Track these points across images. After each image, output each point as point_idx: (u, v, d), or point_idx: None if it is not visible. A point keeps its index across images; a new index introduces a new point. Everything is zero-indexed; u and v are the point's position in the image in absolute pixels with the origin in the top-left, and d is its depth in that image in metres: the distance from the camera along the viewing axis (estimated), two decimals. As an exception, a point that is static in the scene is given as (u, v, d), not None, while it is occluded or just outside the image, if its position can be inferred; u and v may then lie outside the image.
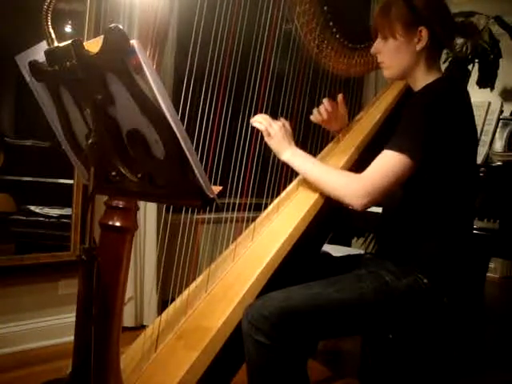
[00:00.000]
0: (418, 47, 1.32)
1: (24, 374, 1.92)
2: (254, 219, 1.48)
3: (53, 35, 0.86)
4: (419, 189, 1.28)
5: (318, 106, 1.60)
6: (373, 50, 1.39)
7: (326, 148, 1.63)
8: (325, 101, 1.58)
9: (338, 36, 1.58)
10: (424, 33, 1.30)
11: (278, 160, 1.47)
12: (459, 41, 3.30)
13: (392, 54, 1.35)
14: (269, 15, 1.45)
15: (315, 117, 1.60)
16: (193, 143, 0.90)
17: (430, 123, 1.21)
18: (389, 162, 1.21)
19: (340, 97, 1.61)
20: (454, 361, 1.44)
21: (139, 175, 0.82)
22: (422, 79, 1.35)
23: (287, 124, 1.44)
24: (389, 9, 1.33)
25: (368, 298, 1.21)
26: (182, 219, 1.49)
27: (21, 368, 1.98)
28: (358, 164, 1.45)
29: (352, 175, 1.28)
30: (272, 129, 1.40)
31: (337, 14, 1.57)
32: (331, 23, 1.56)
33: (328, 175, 1.33)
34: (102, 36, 0.73)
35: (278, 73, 1.54)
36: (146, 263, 2.45)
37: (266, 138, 1.41)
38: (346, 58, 1.62)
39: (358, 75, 1.69)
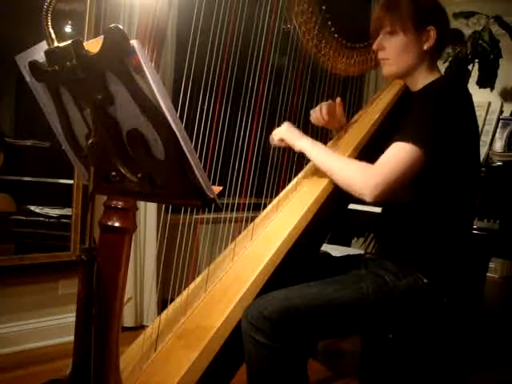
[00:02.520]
0: (426, 46, 1.32)
1: (24, 374, 1.92)
2: (253, 219, 1.48)
3: (53, 35, 0.86)
4: (420, 189, 1.28)
5: (317, 106, 1.60)
6: (376, 46, 1.37)
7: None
8: (323, 106, 1.57)
9: (336, 35, 1.58)
10: (432, 32, 1.30)
11: (277, 160, 1.47)
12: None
13: (398, 51, 1.34)
14: (267, 15, 1.45)
15: (313, 119, 1.60)
16: (192, 143, 0.90)
17: (438, 118, 1.21)
18: (400, 153, 1.20)
19: (338, 100, 1.60)
20: (453, 360, 1.44)
21: (139, 175, 0.82)
22: (423, 79, 1.35)
23: None
24: (397, 5, 1.32)
25: (368, 297, 1.21)
26: (181, 219, 1.49)
27: (21, 368, 1.98)
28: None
29: (365, 166, 1.25)
30: (280, 127, 1.44)
31: (335, 13, 1.57)
32: (329, 22, 1.55)
33: (342, 165, 1.31)
34: (102, 36, 0.73)
35: (276, 72, 1.54)
36: (145, 263, 2.45)
37: (279, 131, 1.44)
38: (345, 58, 1.62)
39: (357, 74, 1.69)
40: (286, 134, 1.43)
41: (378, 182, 1.19)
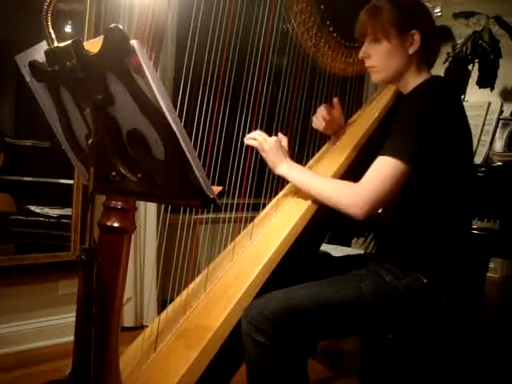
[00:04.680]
0: (411, 50, 1.32)
1: (24, 374, 1.92)
2: (252, 219, 1.48)
3: (53, 35, 0.86)
4: (418, 189, 1.28)
5: (316, 107, 1.60)
6: (361, 54, 1.37)
7: (324, 147, 1.63)
8: (322, 108, 1.57)
9: (335, 35, 1.58)
10: (416, 36, 1.30)
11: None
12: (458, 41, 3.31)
13: (384, 58, 1.33)
14: (266, 14, 1.45)
15: (315, 124, 1.60)
16: (192, 143, 0.90)
17: (423, 125, 1.20)
18: (385, 169, 1.20)
19: (335, 100, 1.60)
20: (453, 360, 1.44)
21: (139, 175, 0.82)
22: (412, 82, 1.35)
23: (284, 140, 1.44)
24: (379, 12, 1.31)
25: (367, 297, 1.21)
26: (180, 219, 1.49)
27: (21, 368, 1.98)
28: (356, 163, 1.45)
29: (349, 185, 1.26)
30: (266, 143, 1.38)
31: (334, 12, 1.57)
32: (328, 22, 1.55)
33: (325, 186, 1.30)
34: (102, 36, 0.73)
35: (275, 72, 1.54)
36: (145, 263, 2.45)
37: (261, 153, 1.39)
38: (344, 57, 1.62)
39: (356, 73, 1.69)
40: (267, 156, 1.38)
41: (365, 201, 1.19)
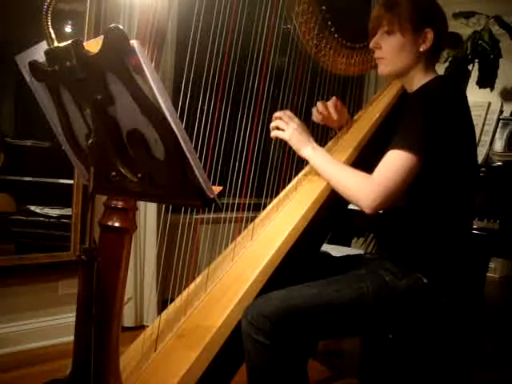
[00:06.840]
0: (422, 48, 1.32)
1: (24, 374, 1.92)
2: (253, 219, 1.48)
3: (53, 35, 0.86)
4: (419, 189, 1.28)
5: (315, 106, 1.60)
6: (372, 44, 1.38)
7: (326, 146, 1.63)
8: (319, 103, 1.58)
9: (336, 35, 1.58)
10: (430, 34, 1.31)
11: (277, 160, 1.47)
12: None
13: (395, 51, 1.34)
14: (267, 15, 1.45)
15: (315, 117, 1.61)
16: (192, 143, 0.90)
17: (431, 121, 1.21)
18: (395, 162, 1.20)
19: (333, 99, 1.60)
20: (453, 361, 1.44)
21: (139, 175, 0.82)
22: (418, 80, 1.36)
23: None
24: (397, 5, 1.32)
25: (368, 297, 1.21)
26: (181, 219, 1.49)
27: (21, 368, 1.98)
28: (358, 163, 1.45)
29: (365, 178, 1.25)
30: (291, 125, 1.40)
31: (335, 13, 1.57)
32: (330, 22, 1.56)
33: (343, 176, 1.31)
34: (102, 36, 0.73)
35: (277, 72, 1.54)
36: (145, 263, 2.45)
37: (284, 134, 1.40)
38: (345, 58, 1.62)
39: (357, 74, 1.69)
40: (291, 139, 1.39)
41: (377, 195, 1.20)
